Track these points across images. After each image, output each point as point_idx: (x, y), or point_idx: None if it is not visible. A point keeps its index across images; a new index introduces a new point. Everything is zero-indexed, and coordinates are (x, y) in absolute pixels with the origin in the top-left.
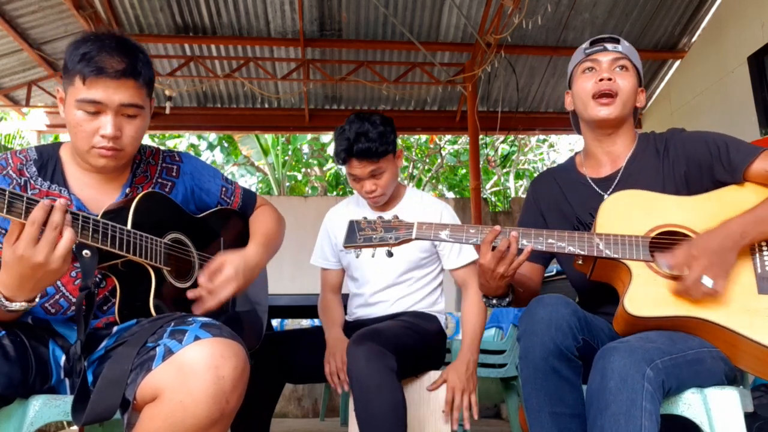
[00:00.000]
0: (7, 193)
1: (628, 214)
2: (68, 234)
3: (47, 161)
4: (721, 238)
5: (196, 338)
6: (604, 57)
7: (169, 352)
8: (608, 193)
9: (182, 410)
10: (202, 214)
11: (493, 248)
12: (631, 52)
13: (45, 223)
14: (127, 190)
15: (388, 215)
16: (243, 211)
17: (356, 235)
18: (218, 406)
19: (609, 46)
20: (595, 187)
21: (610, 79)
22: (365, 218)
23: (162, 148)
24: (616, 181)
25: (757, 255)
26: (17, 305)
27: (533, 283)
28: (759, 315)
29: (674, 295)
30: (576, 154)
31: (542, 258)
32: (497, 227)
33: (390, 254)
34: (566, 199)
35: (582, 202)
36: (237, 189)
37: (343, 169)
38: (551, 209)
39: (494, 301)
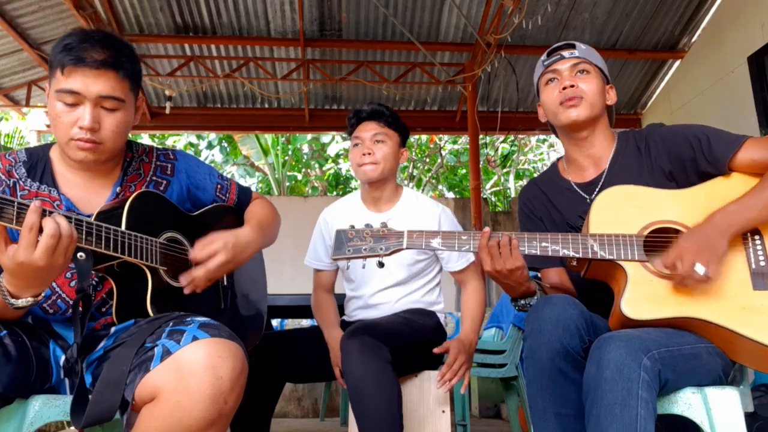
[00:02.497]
0: None
1: (621, 211)
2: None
3: (36, 162)
4: (708, 228)
5: (194, 338)
6: (563, 65)
7: (167, 353)
8: (592, 197)
9: (180, 410)
10: (197, 212)
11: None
12: (589, 54)
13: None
14: (118, 189)
15: (383, 217)
16: (239, 207)
17: (345, 247)
18: (216, 407)
19: (565, 53)
20: (581, 192)
21: (573, 86)
22: (352, 227)
23: (156, 145)
24: (600, 185)
25: (751, 251)
26: (23, 302)
27: (565, 288)
28: (755, 312)
29: (672, 294)
30: (558, 159)
31: (559, 260)
32: (486, 229)
33: (381, 265)
34: (555, 206)
35: (569, 207)
36: (233, 186)
37: (343, 169)
38: (544, 218)
39: (522, 302)
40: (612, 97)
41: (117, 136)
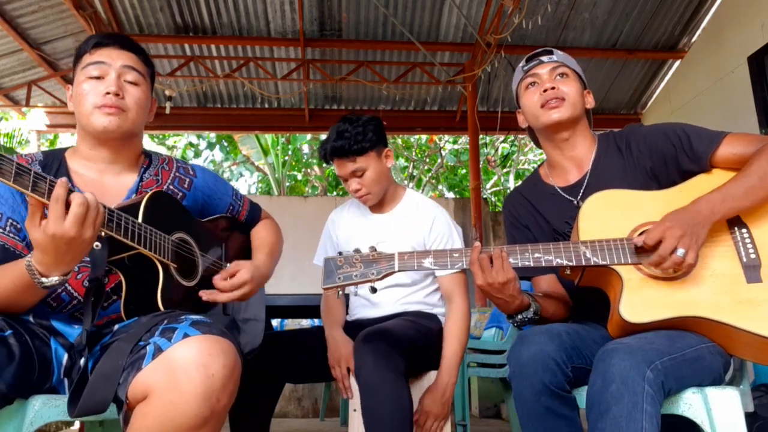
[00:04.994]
0: (32, 173)
1: (608, 216)
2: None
3: (52, 161)
4: (691, 213)
5: (185, 336)
6: (542, 69)
7: (158, 351)
8: (578, 198)
9: (172, 409)
10: (205, 219)
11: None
12: (566, 59)
13: (68, 203)
14: (134, 196)
15: (387, 217)
16: (248, 223)
17: (335, 275)
18: (208, 405)
19: (544, 58)
20: (565, 195)
21: (553, 88)
22: (340, 253)
23: (177, 158)
24: (584, 186)
25: (740, 244)
26: (53, 280)
27: (558, 295)
28: (751, 305)
29: (669, 295)
30: (539, 166)
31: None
32: (477, 244)
33: (374, 290)
34: (540, 213)
35: (555, 213)
36: (245, 205)
37: None
38: (531, 226)
39: (519, 317)
40: (590, 101)
41: (139, 109)
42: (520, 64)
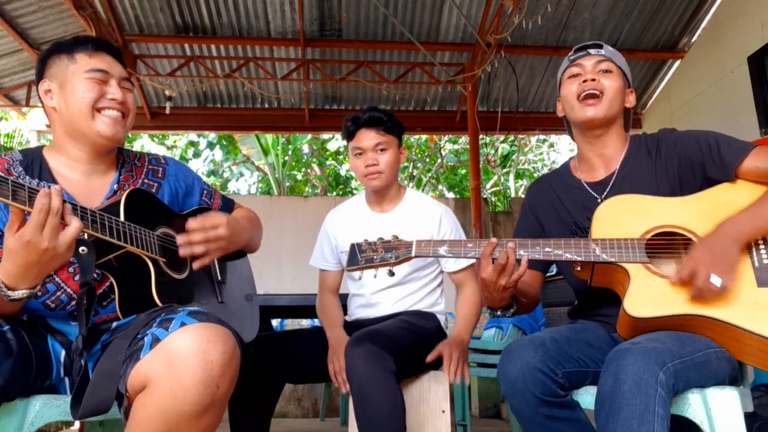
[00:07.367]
0: (10, 181)
1: (622, 218)
2: (75, 222)
3: (32, 161)
4: (719, 238)
5: (182, 324)
6: (588, 61)
7: (156, 340)
8: (603, 196)
9: (172, 397)
10: (185, 211)
11: (493, 260)
12: (614, 55)
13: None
14: (115, 186)
15: (387, 216)
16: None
17: (358, 258)
18: (209, 392)
19: (592, 51)
20: (591, 191)
21: (594, 80)
22: (366, 240)
23: (146, 152)
24: (610, 185)
25: (754, 250)
26: (19, 293)
27: (534, 291)
28: (760, 308)
29: (675, 293)
30: (571, 159)
31: (541, 265)
32: (494, 239)
33: (391, 273)
34: (562, 203)
35: (578, 206)
36: (216, 194)
37: (343, 170)
38: (548, 214)
39: (499, 312)
40: (631, 101)
41: (134, 114)
42: (569, 54)
